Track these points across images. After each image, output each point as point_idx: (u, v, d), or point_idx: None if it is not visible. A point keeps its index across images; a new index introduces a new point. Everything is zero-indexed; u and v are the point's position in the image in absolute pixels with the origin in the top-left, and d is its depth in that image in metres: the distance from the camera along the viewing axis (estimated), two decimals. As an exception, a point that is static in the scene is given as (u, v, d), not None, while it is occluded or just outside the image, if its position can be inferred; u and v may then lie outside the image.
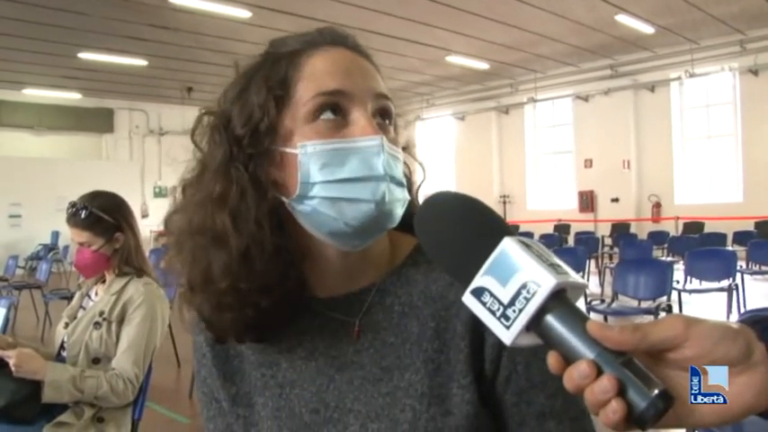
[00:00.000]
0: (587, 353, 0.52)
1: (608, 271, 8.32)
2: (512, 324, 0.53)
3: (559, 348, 0.53)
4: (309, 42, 0.82)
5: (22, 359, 2.06)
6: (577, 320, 0.53)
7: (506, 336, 0.54)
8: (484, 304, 0.55)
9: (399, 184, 0.78)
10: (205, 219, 0.78)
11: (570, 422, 0.77)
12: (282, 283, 0.78)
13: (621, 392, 0.49)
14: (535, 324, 0.54)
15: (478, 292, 0.55)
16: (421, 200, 0.92)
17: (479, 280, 0.56)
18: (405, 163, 0.88)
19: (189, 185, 0.82)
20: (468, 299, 0.56)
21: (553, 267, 0.53)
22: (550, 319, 0.53)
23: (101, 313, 2.24)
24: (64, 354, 2.26)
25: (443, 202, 0.64)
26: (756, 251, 8.47)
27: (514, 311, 0.53)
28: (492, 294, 0.55)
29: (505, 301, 0.54)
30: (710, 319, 0.53)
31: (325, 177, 0.75)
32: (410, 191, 0.85)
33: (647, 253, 8.95)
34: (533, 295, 0.53)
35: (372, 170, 0.75)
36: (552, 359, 0.53)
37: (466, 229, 0.60)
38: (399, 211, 0.79)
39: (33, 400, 2.10)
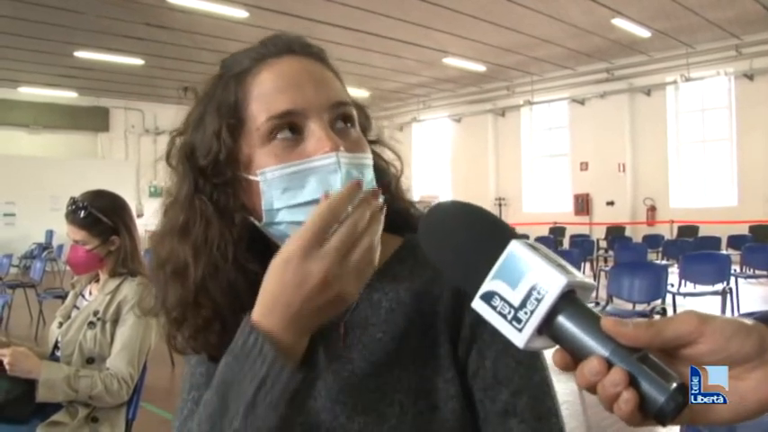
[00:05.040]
0: (601, 350, 0.51)
1: (603, 274, 8.33)
2: (524, 326, 0.53)
3: (572, 348, 0.53)
4: (256, 58, 0.80)
5: (17, 358, 2.06)
6: (590, 319, 0.53)
7: (519, 339, 0.53)
8: (494, 308, 0.54)
9: None
10: (171, 251, 0.79)
11: (534, 422, 0.77)
12: (252, 302, 0.73)
13: (635, 385, 0.49)
14: (547, 326, 0.53)
15: (488, 297, 0.55)
16: (415, 200, 0.93)
17: (488, 284, 0.55)
18: (381, 156, 0.87)
19: (163, 215, 0.83)
20: (477, 304, 0.55)
21: (562, 268, 0.53)
22: (562, 319, 0.53)
23: (95, 313, 2.23)
24: (58, 353, 2.25)
25: (446, 211, 0.64)
26: (750, 255, 8.50)
27: (526, 313, 0.53)
28: (502, 298, 0.54)
29: (516, 304, 0.53)
30: (724, 316, 0.53)
31: (288, 202, 0.75)
32: (389, 186, 0.85)
33: (642, 256, 8.98)
34: (544, 296, 0.52)
35: (332, 188, 0.74)
36: (557, 356, 0.53)
37: (471, 235, 0.60)
38: None
39: (27, 399, 2.10)
